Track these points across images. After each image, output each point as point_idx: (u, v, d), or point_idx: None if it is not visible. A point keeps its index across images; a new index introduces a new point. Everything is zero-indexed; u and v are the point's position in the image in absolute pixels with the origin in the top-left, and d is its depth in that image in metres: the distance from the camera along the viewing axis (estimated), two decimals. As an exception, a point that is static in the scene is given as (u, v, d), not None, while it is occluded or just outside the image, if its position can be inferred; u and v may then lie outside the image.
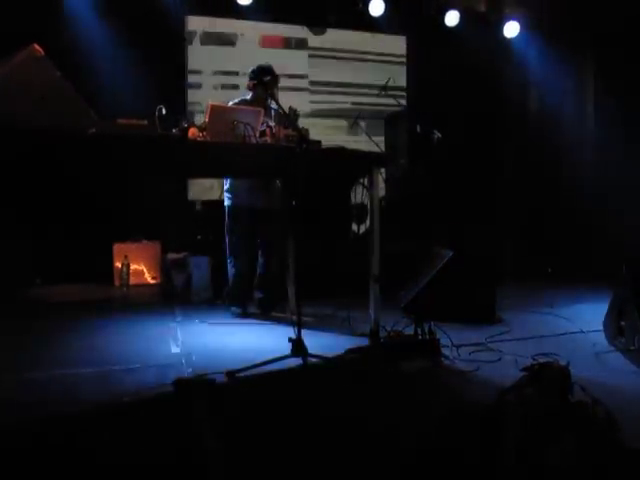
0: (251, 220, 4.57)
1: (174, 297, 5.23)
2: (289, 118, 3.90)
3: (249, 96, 4.58)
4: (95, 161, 3.23)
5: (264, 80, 4.33)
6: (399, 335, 3.76)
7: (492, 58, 7.53)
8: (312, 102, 7.35)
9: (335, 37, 7.44)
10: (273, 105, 4.40)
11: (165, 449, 2.28)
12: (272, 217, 4.64)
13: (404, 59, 7.75)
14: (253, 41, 7.03)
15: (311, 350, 3.34)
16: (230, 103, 4.39)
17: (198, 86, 6.85)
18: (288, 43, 7.24)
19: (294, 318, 3.42)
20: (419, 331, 3.52)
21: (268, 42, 7.10)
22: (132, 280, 5.86)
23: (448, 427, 2.28)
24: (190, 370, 3.22)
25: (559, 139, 7.54)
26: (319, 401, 2.82)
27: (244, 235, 4.60)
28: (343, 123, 7.38)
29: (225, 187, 4.66)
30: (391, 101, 6.85)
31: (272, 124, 4.09)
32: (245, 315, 4.61)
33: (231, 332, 4.23)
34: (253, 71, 4.52)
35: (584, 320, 4.34)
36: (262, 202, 4.58)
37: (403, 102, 7.29)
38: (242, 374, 3.11)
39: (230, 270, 4.66)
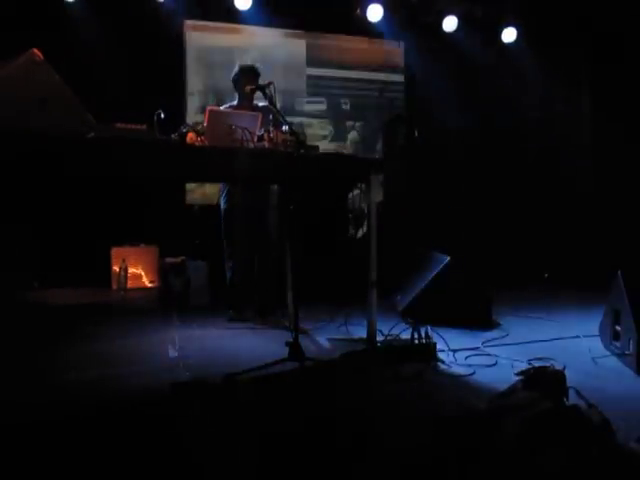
0: (247, 223, 4.58)
1: (172, 301, 5.23)
2: (276, 108, 3.91)
3: (235, 101, 4.59)
4: (94, 165, 3.25)
5: (246, 81, 4.35)
6: (396, 339, 3.77)
7: (490, 63, 7.56)
8: (310, 107, 7.37)
9: (333, 42, 7.47)
10: (261, 103, 4.42)
11: (163, 453, 2.29)
12: (269, 219, 4.65)
13: (402, 64, 7.78)
14: (252, 45, 7.06)
15: (308, 354, 3.36)
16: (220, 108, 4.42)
17: (197, 90, 6.88)
18: (286, 47, 7.27)
19: (291, 322, 3.43)
20: (416, 335, 3.53)
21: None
22: (130, 284, 5.87)
23: (444, 431, 2.29)
24: (188, 374, 3.22)
25: (557, 143, 7.58)
26: (316, 405, 2.83)
27: (241, 239, 4.61)
28: (341, 128, 7.41)
29: (221, 191, 4.68)
30: (389, 106, 6.89)
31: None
32: (243, 319, 4.61)
33: (229, 336, 4.23)
34: (235, 73, 4.54)
35: (580, 325, 4.36)
36: (258, 204, 4.60)
37: (401, 107, 7.32)
38: (239, 378, 3.11)
39: (228, 274, 4.67)
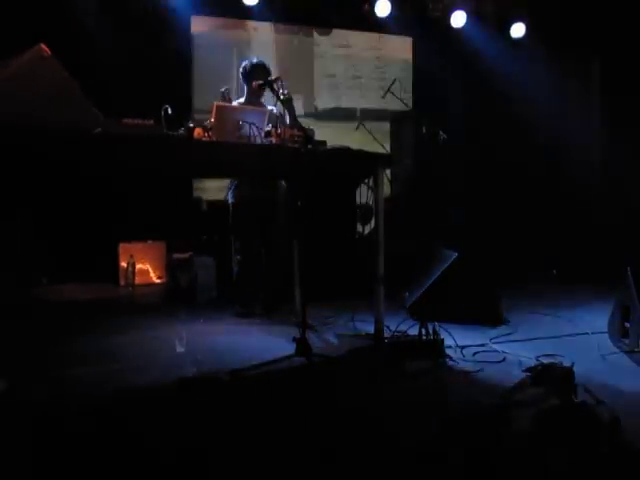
0: (255, 218, 4.58)
1: (179, 297, 5.23)
2: (289, 105, 3.90)
3: (243, 98, 4.58)
4: (101, 161, 3.25)
5: (255, 77, 4.34)
6: (403, 336, 3.77)
7: (498, 59, 7.53)
8: (318, 102, 7.36)
9: (341, 38, 7.46)
10: (270, 106, 4.42)
11: (169, 448, 2.29)
12: (276, 215, 4.65)
13: (410, 60, 7.76)
14: (259, 41, 7.05)
15: (315, 350, 3.35)
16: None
17: (204, 86, 6.87)
18: (294, 42, 7.26)
19: (299, 318, 3.42)
20: (423, 332, 3.52)
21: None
22: (137, 280, 5.87)
23: (451, 427, 2.28)
24: (195, 370, 3.23)
25: (564, 140, 7.54)
26: (323, 401, 2.82)
27: (248, 234, 4.61)
28: (349, 124, 7.39)
29: (229, 186, 4.68)
30: (397, 102, 6.86)
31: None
32: (249, 315, 4.61)
33: (236, 332, 4.23)
34: (244, 68, 4.53)
35: (589, 322, 4.33)
36: (266, 199, 4.60)
37: (409, 103, 7.29)
38: (246, 373, 3.12)
39: (235, 269, 4.67)
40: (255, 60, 4.51)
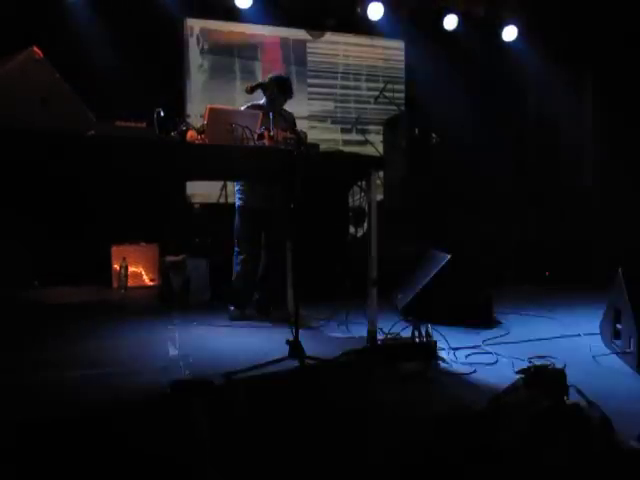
0: (259, 221, 4.59)
1: (172, 299, 5.22)
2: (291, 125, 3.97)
3: (262, 101, 4.60)
4: (94, 163, 3.24)
5: (276, 90, 4.41)
6: (396, 338, 3.77)
7: (490, 62, 7.56)
8: (311, 106, 7.37)
9: (334, 41, 7.47)
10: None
11: (163, 451, 2.28)
12: (278, 219, 4.65)
13: (403, 63, 7.78)
14: (252, 44, 7.06)
15: (308, 352, 3.35)
16: (243, 107, 4.44)
17: (197, 89, 6.88)
18: (287, 46, 7.27)
19: (292, 320, 3.42)
20: (416, 334, 3.52)
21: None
22: (130, 282, 5.86)
23: (445, 429, 2.29)
24: (188, 372, 3.22)
25: (558, 142, 7.57)
26: (316, 403, 2.82)
27: (252, 236, 4.62)
28: (342, 126, 7.41)
29: (236, 188, 4.69)
30: (390, 105, 6.88)
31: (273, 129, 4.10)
32: (243, 317, 4.60)
33: (229, 334, 4.23)
34: (270, 79, 4.54)
35: (581, 323, 4.35)
36: (270, 204, 4.60)
37: (401, 106, 7.31)
38: (240, 376, 3.11)
39: (235, 269, 4.66)
40: (284, 76, 4.66)
